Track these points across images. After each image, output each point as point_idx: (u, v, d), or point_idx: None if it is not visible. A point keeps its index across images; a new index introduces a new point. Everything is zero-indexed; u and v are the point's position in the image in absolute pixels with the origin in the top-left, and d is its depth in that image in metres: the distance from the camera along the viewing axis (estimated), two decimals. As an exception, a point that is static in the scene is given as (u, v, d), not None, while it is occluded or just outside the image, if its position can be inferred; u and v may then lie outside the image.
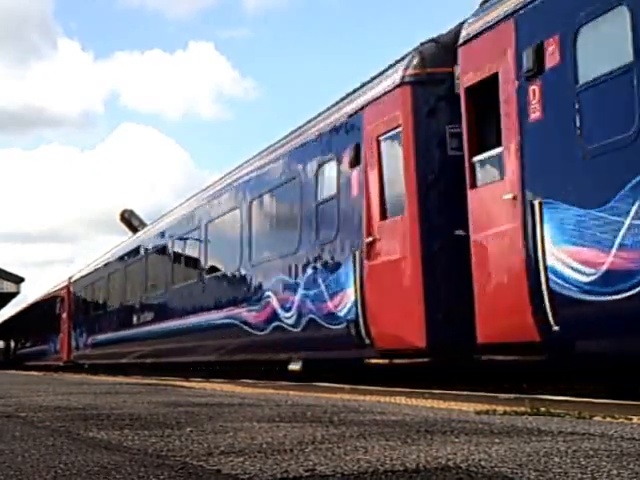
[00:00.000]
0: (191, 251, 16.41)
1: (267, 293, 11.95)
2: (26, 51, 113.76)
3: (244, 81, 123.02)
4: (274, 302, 11.65)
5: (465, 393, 7.38)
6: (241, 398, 6.96)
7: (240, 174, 13.82)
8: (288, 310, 11.16)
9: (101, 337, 23.49)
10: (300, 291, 10.83)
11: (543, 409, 4.86)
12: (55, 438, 3.72)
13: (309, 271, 10.64)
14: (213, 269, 15.04)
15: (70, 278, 29.54)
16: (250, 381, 12.60)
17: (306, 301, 10.67)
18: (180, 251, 17.25)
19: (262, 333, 12.07)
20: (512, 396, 6.72)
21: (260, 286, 12.36)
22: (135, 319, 19.65)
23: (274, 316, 11.62)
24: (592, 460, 2.75)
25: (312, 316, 10.49)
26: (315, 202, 10.69)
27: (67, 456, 3.04)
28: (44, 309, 34.41)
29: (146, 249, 19.51)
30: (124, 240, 23.92)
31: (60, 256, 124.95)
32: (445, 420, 4.37)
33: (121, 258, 22.01)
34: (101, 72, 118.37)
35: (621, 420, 4.37)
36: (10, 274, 38.61)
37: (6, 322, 47.99)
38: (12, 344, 46.91)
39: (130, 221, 26.77)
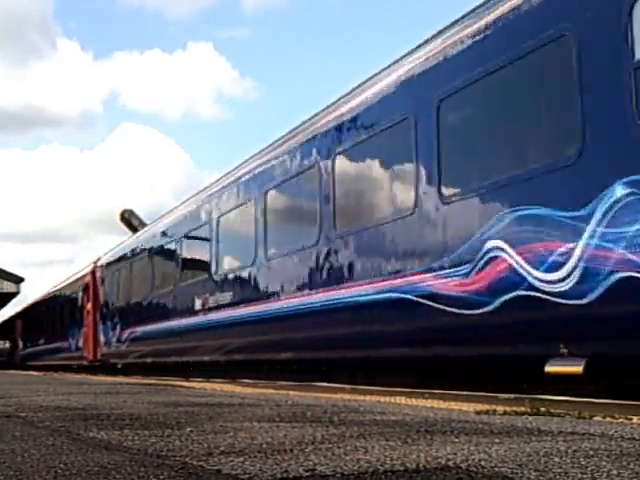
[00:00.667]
0: (307, 196, 10.67)
1: (490, 244, 7.09)
2: (26, 51, 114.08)
3: (244, 81, 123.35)
4: (510, 257, 6.89)
5: (465, 393, 7.38)
6: (241, 398, 6.96)
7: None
8: (552, 268, 6.45)
9: (144, 329, 18.26)
10: (589, 232, 6.09)
11: (543, 409, 4.87)
12: (55, 438, 3.72)
13: (619, 191, 5.84)
14: (353, 220, 9.62)
15: (96, 261, 24.34)
16: (250, 381, 12.60)
17: (608, 250, 5.93)
18: (285, 202, 11.71)
19: (476, 312, 7.25)
20: (512, 396, 6.73)
21: (470, 233, 7.35)
22: (200, 304, 14.33)
23: (511, 281, 6.87)
24: (592, 460, 2.75)
25: (626, 274, 5.80)
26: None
27: (67, 456, 3.04)
28: (60, 301, 29.72)
29: (219, 209, 13.86)
30: (175, 206, 17.97)
31: (60, 256, 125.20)
32: (445, 420, 4.38)
33: (172, 229, 16.82)
34: (101, 72, 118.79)
35: (621, 420, 4.37)
36: (10, 274, 38.64)
37: (11, 319, 44.08)
38: (20, 343, 40.95)
39: (130, 221, 26.73)
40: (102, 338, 22.38)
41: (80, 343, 25.33)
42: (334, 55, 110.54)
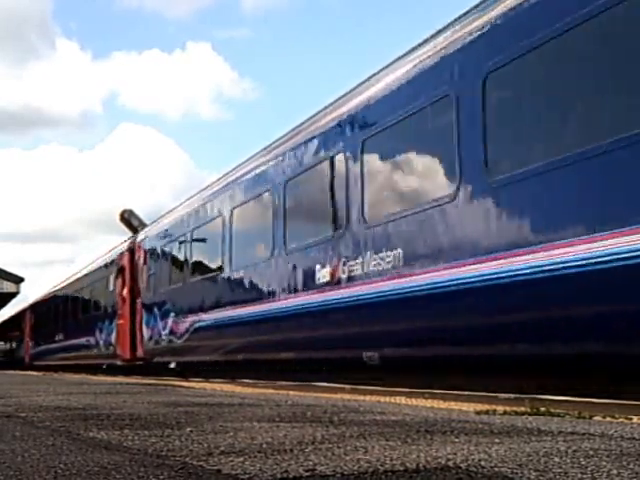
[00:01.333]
0: None
1: None
2: (25, 51, 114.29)
3: (243, 81, 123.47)
4: None
5: (465, 393, 7.38)
6: (241, 398, 6.96)
7: None
8: None
9: (218, 317, 13.09)
10: None
11: (543, 409, 4.87)
12: (55, 438, 3.72)
13: None
14: None
15: (134, 237, 20.05)
16: (250, 381, 12.59)
17: None
18: None
19: None
20: (512, 396, 6.72)
21: None
22: (326, 275, 9.53)
23: None
24: (592, 460, 2.75)
25: None
26: None
27: (67, 456, 3.04)
28: (81, 289, 25.53)
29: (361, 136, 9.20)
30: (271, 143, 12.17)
31: (60, 256, 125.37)
32: (445, 420, 4.37)
33: (268, 172, 11.72)
34: (100, 72, 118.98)
35: (621, 420, 4.37)
36: (10, 274, 38.57)
37: (18, 315, 40.54)
38: (28, 341, 36.76)
39: (130, 221, 26.70)
40: (146, 331, 17.49)
41: (112, 338, 20.52)
42: (334, 55, 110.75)
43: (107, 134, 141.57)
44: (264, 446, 3.24)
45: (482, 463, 2.69)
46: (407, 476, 2.47)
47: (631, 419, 4.40)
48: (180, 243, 15.85)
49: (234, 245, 12.85)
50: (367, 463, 2.72)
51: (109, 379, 15.59)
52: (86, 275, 25.21)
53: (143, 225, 23.93)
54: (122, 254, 20.25)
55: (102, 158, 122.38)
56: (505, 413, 4.83)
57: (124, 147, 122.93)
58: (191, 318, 14.47)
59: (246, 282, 12.22)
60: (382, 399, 6.60)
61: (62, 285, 30.03)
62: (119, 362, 19.91)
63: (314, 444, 3.28)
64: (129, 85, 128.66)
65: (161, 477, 2.51)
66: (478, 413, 4.87)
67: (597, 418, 4.47)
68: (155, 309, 16.98)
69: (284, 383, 11.10)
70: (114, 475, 2.56)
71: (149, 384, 11.24)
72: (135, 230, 24.58)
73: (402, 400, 6.44)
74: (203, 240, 14.66)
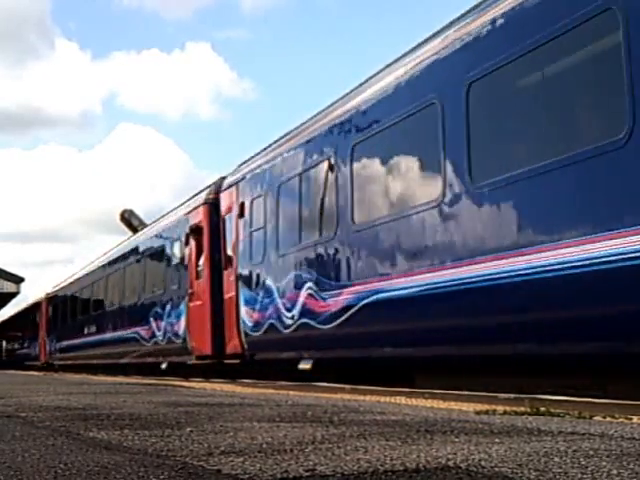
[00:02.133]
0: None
1: None
2: (24, 51, 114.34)
3: (242, 82, 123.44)
4: None
5: (465, 393, 7.38)
6: (241, 398, 6.96)
7: None
8: None
9: (440, 279, 7.49)
10: None
11: (543, 409, 4.87)
12: (55, 438, 3.72)
13: None
14: None
15: (220, 182, 14.24)
16: (250, 381, 12.59)
17: None
18: None
19: None
20: (512, 396, 6.72)
21: None
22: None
23: None
24: (592, 460, 2.75)
25: None
26: None
27: (67, 456, 3.04)
28: (125, 266, 20.39)
29: None
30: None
31: (60, 256, 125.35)
32: (445, 420, 4.37)
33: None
34: (99, 72, 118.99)
35: (621, 420, 4.37)
36: (10, 274, 38.58)
37: (29, 309, 38.07)
38: (44, 335, 32.74)
39: (130, 221, 26.69)
40: (247, 314, 12.34)
41: (179, 327, 15.42)
42: (333, 55, 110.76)
43: (106, 134, 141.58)
44: (264, 446, 3.24)
45: (482, 463, 2.69)
46: (407, 476, 2.46)
47: (631, 419, 4.39)
48: (322, 171, 10.26)
49: (474, 146, 7.34)
50: (367, 463, 2.72)
51: (109, 379, 15.59)
52: (134, 249, 19.95)
53: (143, 225, 23.83)
54: (196, 210, 14.90)
55: (102, 158, 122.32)
56: (505, 413, 4.83)
57: (123, 147, 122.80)
58: (357, 288, 9.13)
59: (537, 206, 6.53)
60: (382, 399, 6.60)
61: (95, 266, 24.45)
62: (192, 360, 14.89)
63: (314, 444, 3.28)
64: (128, 85, 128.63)
65: (161, 477, 2.51)
66: (478, 413, 4.87)
67: (597, 418, 4.47)
68: (267, 281, 11.71)
69: (284, 383, 11.10)
70: (114, 475, 2.56)
71: (149, 384, 11.24)
72: (135, 230, 24.45)
73: (402, 400, 6.43)
74: (382, 156, 9.02)
